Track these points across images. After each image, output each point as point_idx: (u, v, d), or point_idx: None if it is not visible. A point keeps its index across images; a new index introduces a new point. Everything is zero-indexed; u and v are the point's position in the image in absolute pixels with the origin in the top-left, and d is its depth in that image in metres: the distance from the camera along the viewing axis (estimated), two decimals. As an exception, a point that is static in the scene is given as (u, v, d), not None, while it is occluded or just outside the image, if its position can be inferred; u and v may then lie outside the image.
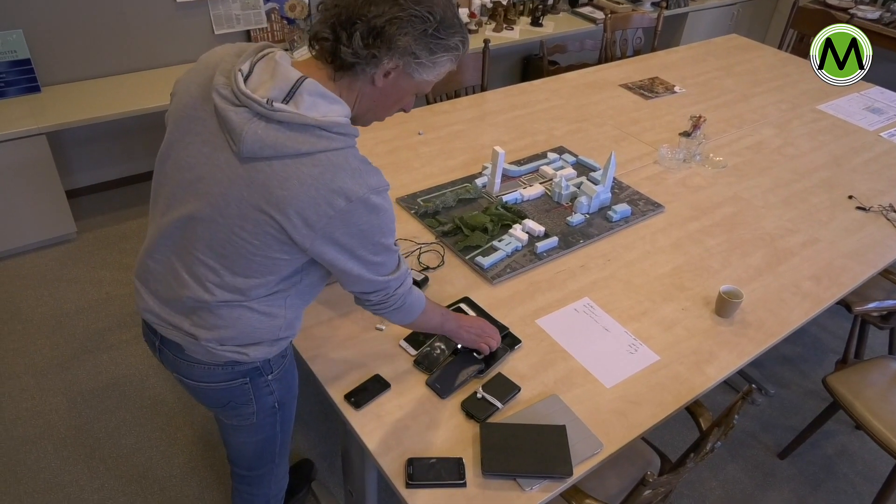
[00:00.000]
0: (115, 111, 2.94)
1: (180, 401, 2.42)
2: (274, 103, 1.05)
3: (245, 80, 1.08)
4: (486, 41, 3.13)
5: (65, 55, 3.10)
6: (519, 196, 2.17)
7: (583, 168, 2.39)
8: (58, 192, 2.98)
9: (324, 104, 1.08)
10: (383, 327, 1.65)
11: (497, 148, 2.09)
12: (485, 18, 4.18)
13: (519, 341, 1.63)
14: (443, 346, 1.58)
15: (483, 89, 3.14)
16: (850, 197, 2.36)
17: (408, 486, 1.29)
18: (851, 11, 4.37)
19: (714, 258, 2.00)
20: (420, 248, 1.93)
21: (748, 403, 2.60)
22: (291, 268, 1.19)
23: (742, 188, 2.37)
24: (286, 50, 3.50)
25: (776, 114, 2.96)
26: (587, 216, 2.12)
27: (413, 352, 1.58)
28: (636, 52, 3.89)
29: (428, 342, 1.60)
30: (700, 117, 2.50)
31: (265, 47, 1.15)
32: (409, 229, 2.01)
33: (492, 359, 1.56)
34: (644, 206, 2.19)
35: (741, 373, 2.62)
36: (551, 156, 2.43)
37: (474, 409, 1.44)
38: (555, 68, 4.07)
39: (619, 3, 4.56)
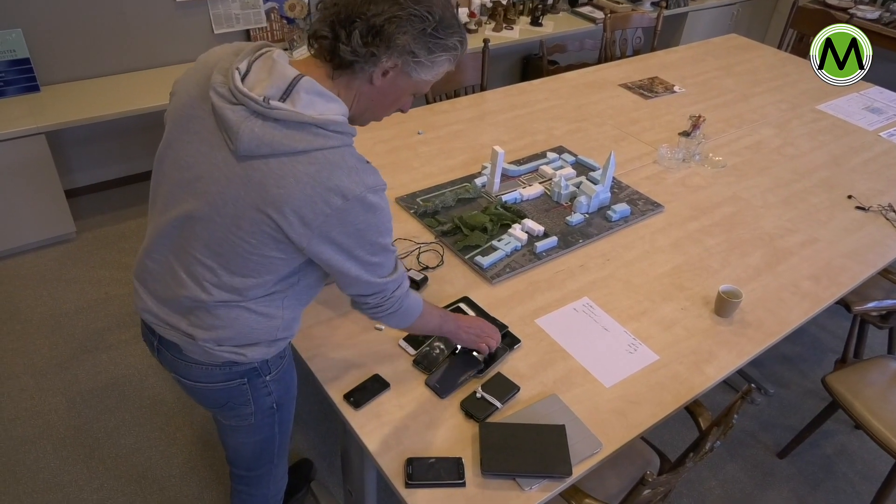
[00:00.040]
0: (114, 111, 2.94)
1: (179, 401, 2.42)
2: (270, 101, 1.05)
3: (243, 79, 1.08)
4: (486, 41, 3.13)
5: (64, 54, 3.10)
6: (518, 196, 2.17)
7: (582, 168, 2.39)
8: (57, 191, 2.98)
9: (321, 102, 1.08)
10: (382, 327, 1.65)
11: (496, 147, 2.09)
12: (484, 18, 4.18)
13: (518, 341, 1.63)
14: (442, 346, 1.58)
15: (483, 89, 3.14)
16: (850, 197, 2.36)
17: (407, 485, 1.29)
18: (851, 11, 4.37)
19: (713, 258, 2.00)
20: (419, 247, 1.93)
21: (747, 403, 2.60)
22: (289, 268, 1.19)
23: (741, 188, 2.37)
24: (285, 49, 3.50)
25: (776, 113, 2.96)
26: (586, 216, 2.12)
27: (412, 351, 1.58)
28: (636, 52, 3.89)
29: (427, 342, 1.60)
30: (699, 117, 2.50)
31: (263, 46, 1.15)
32: (408, 229, 2.01)
33: (491, 358, 1.56)
34: (643, 206, 2.19)
35: (740, 372, 2.62)
36: (551, 155, 2.43)
37: (474, 409, 1.44)
38: (554, 68, 4.07)
39: (618, 2, 4.56)
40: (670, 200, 2.26)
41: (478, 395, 1.48)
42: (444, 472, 1.31)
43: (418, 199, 2.12)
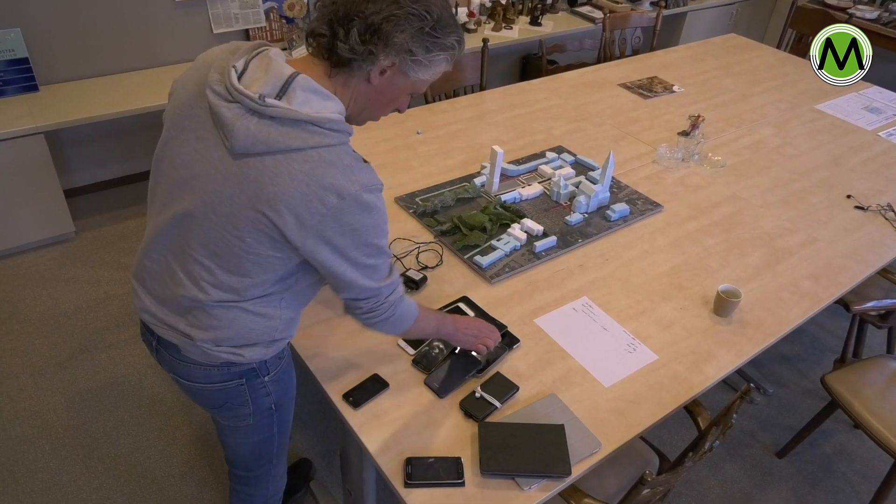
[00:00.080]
0: (113, 110, 2.94)
1: (178, 400, 2.42)
2: (266, 99, 1.05)
3: (240, 78, 1.08)
4: (485, 40, 3.13)
5: (63, 54, 3.10)
6: (517, 195, 2.17)
7: (581, 167, 2.39)
8: (56, 191, 2.98)
9: (317, 100, 1.08)
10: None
11: (496, 147, 2.09)
12: (484, 18, 4.18)
13: (517, 340, 1.63)
14: (441, 346, 1.58)
15: (482, 88, 3.14)
16: (849, 196, 2.36)
17: (406, 485, 1.29)
18: (850, 11, 4.37)
19: (712, 257, 2.00)
20: (419, 247, 1.93)
21: (747, 402, 2.60)
22: (286, 268, 1.19)
23: (741, 188, 2.37)
24: (284, 49, 3.51)
25: (775, 113, 2.96)
26: (586, 215, 2.12)
27: (411, 351, 1.58)
28: (635, 52, 3.89)
29: (426, 342, 1.60)
30: (699, 117, 2.50)
31: (260, 45, 1.15)
32: (407, 228, 2.01)
33: (491, 358, 1.56)
34: (643, 206, 2.19)
35: (740, 372, 2.62)
36: (550, 155, 2.43)
37: (473, 409, 1.44)
38: (553, 67, 4.07)
39: (617, 2, 4.56)
40: (669, 200, 2.26)
41: (477, 395, 1.47)
42: (444, 471, 1.31)
43: (417, 199, 2.12)
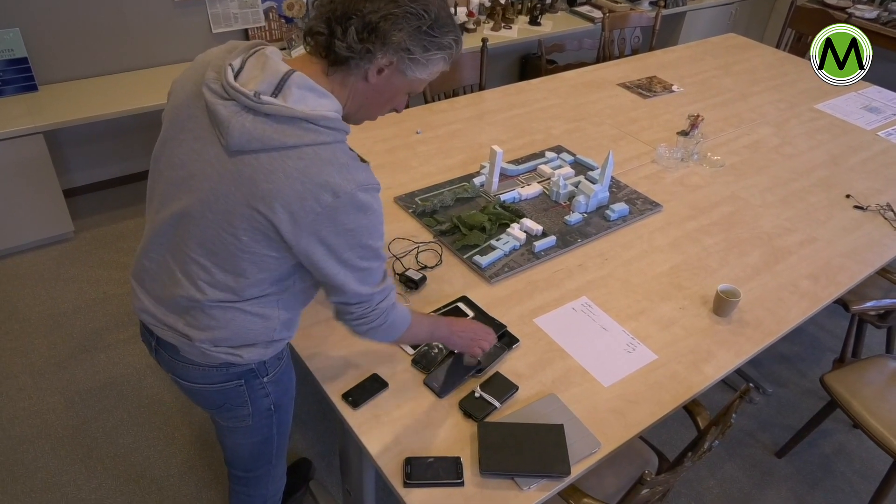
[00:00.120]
0: (112, 110, 2.94)
1: (178, 400, 2.42)
2: (261, 96, 1.05)
3: (237, 76, 1.08)
4: (485, 40, 3.13)
5: (62, 54, 3.10)
6: (517, 195, 2.17)
7: (581, 167, 2.39)
8: (55, 191, 2.97)
9: (313, 98, 1.08)
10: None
11: (495, 147, 2.09)
12: (483, 17, 4.18)
13: (517, 340, 1.63)
14: (441, 346, 1.58)
15: (481, 88, 3.14)
16: (848, 196, 2.36)
17: (405, 485, 1.29)
18: (849, 11, 4.38)
19: (712, 257, 2.00)
20: (418, 247, 1.93)
21: (746, 402, 2.60)
22: (282, 268, 1.18)
23: (740, 187, 2.37)
24: (283, 49, 3.51)
25: (774, 113, 2.96)
26: (585, 215, 2.12)
27: (411, 351, 1.58)
28: (634, 52, 3.89)
29: (426, 341, 1.60)
30: (698, 116, 2.50)
31: (258, 45, 1.15)
32: (406, 228, 2.01)
33: (489, 358, 1.56)
34: (642, 206, 2.19)
35: (739, 372, 2.63)
36: (549, 155, 2.43)
37: (472, 409, 1.44)
38: (553, 67, 4.07)
39: (617, 2, 4.56)
40: (669, 200, 2.26)
41: (476, 395, 1.47)
42: (443, 471, 1.31)
43: (417, 199, 2.12)
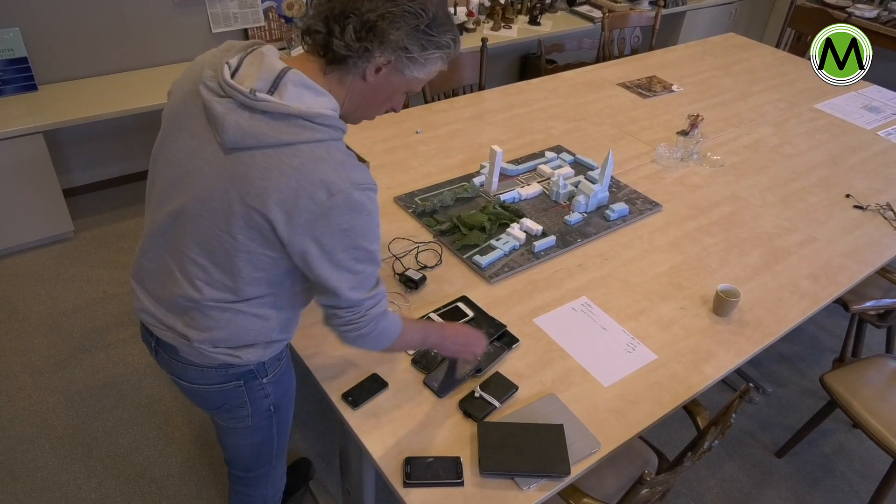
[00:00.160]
0: (112, 110, 2.94)
1: (178, 400, 2.42)
2: (257, 93, 1.05)
3: (234, 74, 1.09)
4: (484, 40, 3.13)
5: (62, 53, 3.10)
6: (517, 195, 2.17)
7: (580, 167, 2.39)
8: (55, 190, 2.97)
9: (309, 96, 1.08)
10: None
11: (495, 147, 2.09)
12: (483, 17, 4.18)
13: (517, 340, 1.63)
14: (440, 345, 1.58)
15: (481, 88, 3.14)
16: (848, 196, 2.36)
17: (405, 485, 1.29)
18: (849, 10, 4.38)
19: (712, 257, 2.00)
20: (418, 246, 1.93)
21: (746, 402, 2.60)
22: (278, 268, 1.17)
23: (740, 187, 2.37)
24: (283, 49, 3.51)
25: (774, 112, 2.96)
26: (585, 215, 2.12)
27: (411, 351, 1.58)
28: (634, 51, 3.89)
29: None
30: (698, 116, 2.50)
31: (255, 44, 1.15)
32: (406, 228, 2.01)
33: (486, 360, 1.56)
34: (642, 205, 2.19)
35: (739, 371, 2.63)
36: (549, 155, 2.43)
37: (472, 408, 1.44)
38: (552, 67, 4.07)
39: (616, 1, 4.56)
40: (668, 200, 2.26)
41: (476, 395, 1.47)
42: (443, 471, 1.31)
43: (416, 199, 2.12)
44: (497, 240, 1.95)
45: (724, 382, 2.62)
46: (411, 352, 1.57)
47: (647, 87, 3.10)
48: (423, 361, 1.55)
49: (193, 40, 3.39)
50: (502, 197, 2.14)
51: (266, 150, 1.06)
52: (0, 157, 2.76)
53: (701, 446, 1.41)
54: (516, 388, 1.51)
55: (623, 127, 2.72)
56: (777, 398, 2.66)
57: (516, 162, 2.37)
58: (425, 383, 1.50)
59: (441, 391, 1.48)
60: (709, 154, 2.56)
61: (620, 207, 2.12)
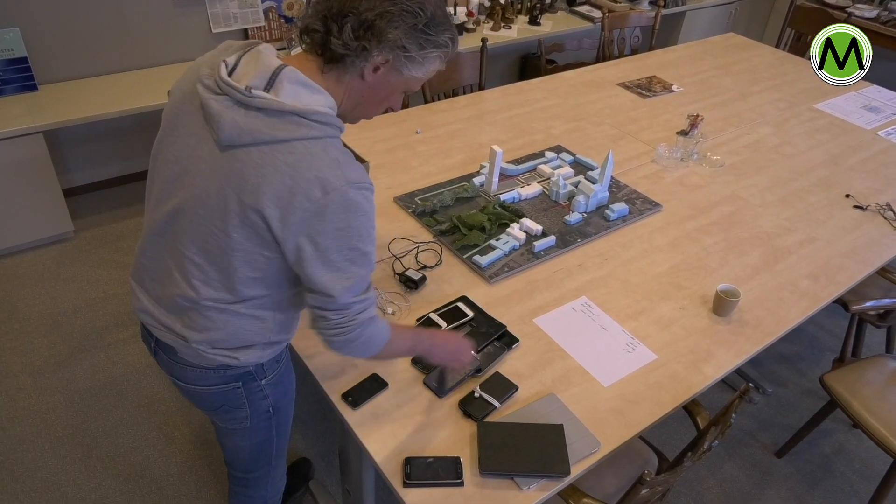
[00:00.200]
0: (112, 110, 2.94)
1: (177, 400, 2.42)
2: (252, 90, 1.05)
3: (231, 73, 1.09)
4: (484, 40, 3.13)
5: (62, 53, 3.10)
6: (516, 195, 2.17)
7: (580, 167, 2.39)
8: (55, 190, 2.97)
9: (305, 93, 1.08)
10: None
11: (495, 147, 2.09)
12: (483, 17, 4.18)
13: (517, 340, 1.63)
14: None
15: (481, 88, 3.14)
16: (848, 196, 2.36)
17: (405, 485, 1.29)
18: (849, 10, 4.38)
19: (711, 257, 2.00)
20: (417, 246, 1.93)
21: (745, 402, 2.60)
22: (272, 268, 1.16)
23: (739, 187, 2.37)
24: (283, 49, 3.51)
25: (774, 112, 2.96)
26: (585, 215, 2.12)
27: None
28: (634, 51, 3.89)
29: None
30: (697, 116, 2.50)
31: (253, 43, 1.15)
32: (406, 228, 2.01)
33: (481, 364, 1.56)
34: (642, 205, 2.19)
35: (739, 371, 2.63)
36: (549, 155, 2.43)
37: (472, 408, 1.44)
38: (552, 67, 4.07)
39: (616, 1, 4.56)
40: (668, 200, 2.26)
41: (476, 395, 1.47)
42: (443, 471, 1.31)
43: (416, 199, 2.12)
44: (497, 240, 1.95)
45: (724, 382, 2.62)
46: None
47: (646, 87, 3.10)
48: (423, 361, 1.54)
49: (193, 40, 3.39)
50: (502, 197, 2.14)
51: (261, 146, 1.06)
52: (0, 157, 2.76)
53: (701, 446, 1.41)
54: (516, 388, 1.51)
55: (623, 127, 2.72)
56: (777, 398, 2.66)
57: (516, 162, 2.37)
58: (425, 383, 1.50)
59: (441, 391, 1.48)
60: (709, 154, 2.56)
61: (620, 207, 2.12)
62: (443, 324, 1.64)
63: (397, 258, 1.88)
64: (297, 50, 3.49)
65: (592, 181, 2.27)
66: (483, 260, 1.86)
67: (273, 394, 1.40)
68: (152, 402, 2.41)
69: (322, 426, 2.38)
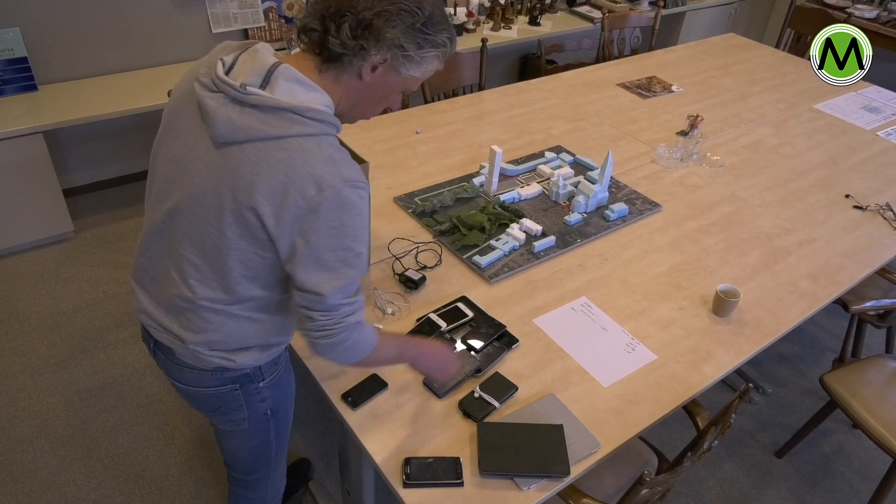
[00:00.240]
0: (112, 110, 2.94)
1: (177, 400, 2.42)
2: (248, 87, 1.05)
3: (228, 72, 1.09)
4: (484, 40, 3.13)
5: (62, 53, 3.10)
6: (516, 195, 2.17)
7: (580, 167, 2.39)
8: (55, 190, 2.97)
9: (301, 90, 1.08)
10: (380, 326, 1.64)
11: (495, 147, 2.09)
12: (483, 17, 4.18)
13: (516, 340, 1.63)
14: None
15: (481, 88, 3.14)
16: (847, 196, 2.37)
17: (405, 485, 1.29)
18: (849, 10, 4.38)
19: (711, 257, 2.00)
20: (417, 247, 1.93)
21: (745, 402, 2.60)
22: (266, 268, 1.16)
23: (739, 187, 2.37)
24: (282, 49, 3.51)
25: (773, 113, 2.96)
26: (584, 215, 2.12)
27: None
28: (634, 52, 3.89)
29: (425, 341, 1.59)
30: (697, 116, 2.50)
31: (251, 43, 1.15)
32: (406, 228, 2.01)
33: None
34: (641, 206, 2.19)
35: (738, 372, 2.63)
36: (549, 155, 2.43)
37: (472, 409, 1.44)
38: (552, 67, 4.07)
39: (616, 2, 4.56)
40: (668, 200, 2.26)
41: (476, 395, 1.47)
42: (442, 471, 1.31)
43: (416, 199, 2.12)
44: (497, 240, 1.95)
45: (724, 382, 2.62)
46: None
47: (646, 88, 3.10)
48: (423, 361, 1.54)
49: (193, 40, 3.39)
50: (502, 197, 2.14)
51: (256, 143, 1.05)
52: (0, 157, 2.76)
53: (701, 446, 1.41)
54: (516, 388, 1.51)
55: (623, 127, 2.72)
56: (777, 398, 2.66)
57: (516, 162, 2.37)
58: (425, 383, 1.50)
59: (441, 391, 1.48)
60: (708, 154, 2.56)
61: (620, 208, 2.12)
62: (442, 324, 1.64)
63: (397, 258, 1.88)
64: (297, 50, 3.51)
65: (592, 181, 2.27)
66: (483, 260, 1.86)
67: (271, 396, 1.40)
68: (152, 402, 2.41)
69: (322, 426, 2.38)
